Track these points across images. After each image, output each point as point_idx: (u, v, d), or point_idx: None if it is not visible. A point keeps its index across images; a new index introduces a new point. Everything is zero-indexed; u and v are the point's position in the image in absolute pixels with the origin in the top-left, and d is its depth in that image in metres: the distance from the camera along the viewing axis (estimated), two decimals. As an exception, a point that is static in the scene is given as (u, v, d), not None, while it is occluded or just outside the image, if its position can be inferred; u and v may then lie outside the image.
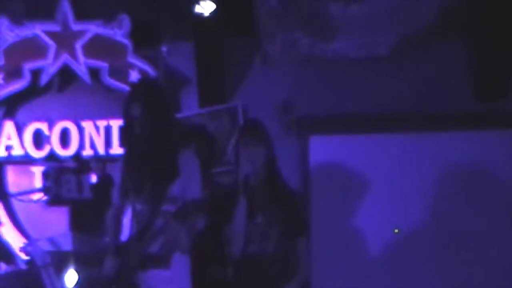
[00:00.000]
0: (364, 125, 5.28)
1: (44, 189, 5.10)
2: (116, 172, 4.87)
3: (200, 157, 4.01)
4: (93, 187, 5.37)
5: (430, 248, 5.18)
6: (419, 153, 5.25)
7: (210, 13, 5.16)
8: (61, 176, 5.36)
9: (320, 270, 5.11)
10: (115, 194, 4.09)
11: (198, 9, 5.17)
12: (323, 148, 5.33)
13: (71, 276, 4.42)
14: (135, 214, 3.97)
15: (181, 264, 3.93)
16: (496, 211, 5.19)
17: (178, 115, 5.26)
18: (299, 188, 4.98)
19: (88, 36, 5.50)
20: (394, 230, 5.16)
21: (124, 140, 4.23)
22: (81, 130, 5.47)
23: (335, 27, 5.26)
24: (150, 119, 3.87)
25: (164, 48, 5.45)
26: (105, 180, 5.34)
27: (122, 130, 4.27)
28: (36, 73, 5.54)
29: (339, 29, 5.27)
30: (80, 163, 5.43)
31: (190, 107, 5.43)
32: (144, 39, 5.48)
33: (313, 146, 5.34)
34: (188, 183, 3.96)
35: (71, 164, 5.43)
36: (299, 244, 3.82)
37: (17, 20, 5.57)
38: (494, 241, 5.14)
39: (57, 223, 5.37)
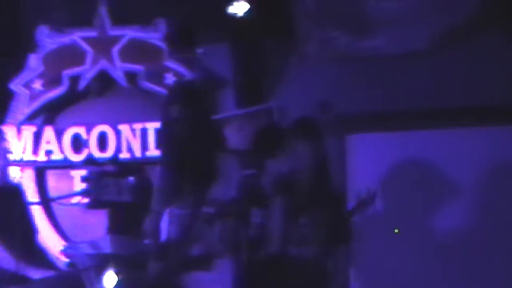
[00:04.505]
0: (400, 121, 5.15)
1: (83, 193, 5.13)
2: (153, 174, 4.88)
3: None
4: (132, 189, 5.39)
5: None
6: (467, 149, 5.09)
7: (244, 13, 5.13)
8: (101, 179, 5.40)
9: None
10: (154, 199, 4.07)
11: (232, 9, 5.15)
12: (361, 147, 5.24)
13: (110, 278, 4.43)
14: (174, 217, 3.95)
15: (224, 266, 3.89)
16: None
17: (215, 117, 5.25)
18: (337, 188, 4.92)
19: (124, 40, 5.53)
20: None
21: (163, 143, 4.22)
22: (118, 134, 5.50)
23: (371, 23, 5.17)
24: (189, 120, 3.85)
25: (200, 50, 5.44)
26: (144, 183, 5.35)
27: (161, 133, 4.26)
28: (74, 79, 5.60)
29: (376, 26, 5.18)
30: (118, 166, 5.46)
31: (227, 109, 5.41)
32: (180, 41, 5.49)
33: (352, 145, 5.26)
34: (226, 186, 3.94)
35: (110, 168, 5.46)
36: (340, 251, 3.66)
37: (57, 28, 5.64)
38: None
39: (96, 226, 5.41)
